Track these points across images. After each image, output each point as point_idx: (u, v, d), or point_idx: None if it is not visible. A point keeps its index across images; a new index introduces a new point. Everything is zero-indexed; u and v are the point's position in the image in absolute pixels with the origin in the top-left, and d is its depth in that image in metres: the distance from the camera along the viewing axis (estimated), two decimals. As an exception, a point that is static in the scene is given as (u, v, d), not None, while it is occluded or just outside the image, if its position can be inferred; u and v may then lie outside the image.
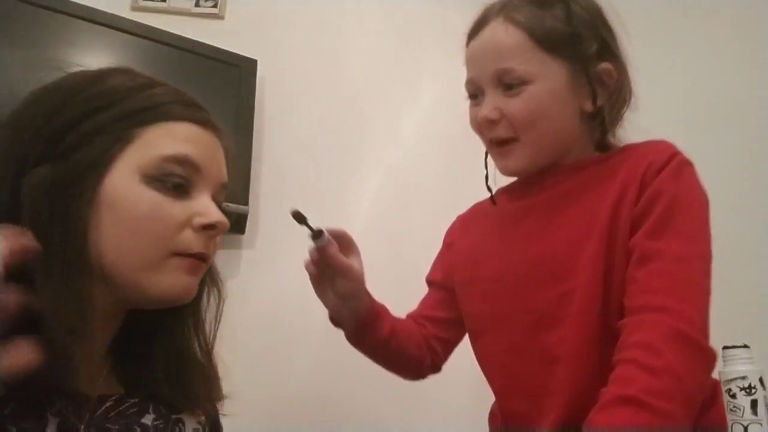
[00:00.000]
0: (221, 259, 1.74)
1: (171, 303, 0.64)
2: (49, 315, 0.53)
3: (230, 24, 1.76)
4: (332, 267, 0.88)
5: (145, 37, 1.52)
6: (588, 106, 0.90)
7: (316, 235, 0.85)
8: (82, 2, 1.45)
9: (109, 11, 1.49)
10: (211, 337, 0.72)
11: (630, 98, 0.94)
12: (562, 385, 0.80)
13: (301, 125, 1.80)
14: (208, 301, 0.73)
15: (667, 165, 0.82)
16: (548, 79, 0.86)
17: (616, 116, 0.94)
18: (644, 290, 0.75)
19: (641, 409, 0.62)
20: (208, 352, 0.72)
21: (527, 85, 0.86)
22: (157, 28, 1.56)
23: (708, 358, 0.69)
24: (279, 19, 1.84)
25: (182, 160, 0.62)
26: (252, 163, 1.64)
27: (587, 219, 0.84)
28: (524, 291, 0.87)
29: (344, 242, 0.91)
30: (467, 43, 0.94)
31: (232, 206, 1.54)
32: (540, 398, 0.83)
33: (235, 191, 1.56)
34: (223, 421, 0.77)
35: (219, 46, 1.63)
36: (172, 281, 0.62)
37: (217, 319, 0.72)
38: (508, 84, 0.87)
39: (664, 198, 0.80)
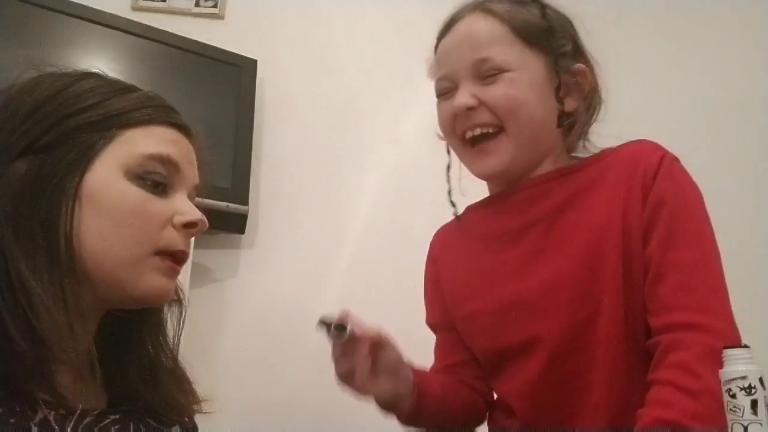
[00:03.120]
0: (221, 259, 1.74)
1: (149, 303, 0.64)
2: (36, 312, 0.53)
3: (230, 24, 1.76)
4: (364, 346, 0.80)
5: (145, 37, 1.52)
6: (567, 106, 0.87)
7: (339, 330, 0.80)
8: (82, 2, 1.45)
9: (109, 11, 1.49)
10: (175, 341, 0.72)
11: (600, 106, 0.91)
12: (597, 411, 0.78)
13: (301, 125, 1.80)
14: (170, 305, 0.72)
15: (660, 168, 0.81)
16: (527, 70, 0.84)
17: (589, 121, 0.91)
18: (670, 307, 0.74)
19: None
20: (174, 357, 0.71)
21: (506, 73, 0.83)
22: (157, 28, 1.56)
23: None
24: (279, 19, 1.84)
25: (165, 160, 0.63)
26: (252, 163, 1.64)
27: (596, 234, 0.80)
28: (539, 320, 0.81)
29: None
30: (436, 46, 0.90)
31: (232, 206, 1.54)
32: (571, 421, 0.80)
33: (235, 191, 1.56)
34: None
35: (219, 46, 1.64)
36: (151, 281, 0.62)
37: (180, 324, 0.72)
38: (487, 74, 0.83)
39: (667, 205, 0.78)
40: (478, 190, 0.97)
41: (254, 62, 1.68)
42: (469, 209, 0.98)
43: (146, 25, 1.54)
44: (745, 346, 0.63)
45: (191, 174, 0.68)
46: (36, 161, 0.58)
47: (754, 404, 0.59)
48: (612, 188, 0.82)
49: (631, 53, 2.02)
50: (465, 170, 0.94)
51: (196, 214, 0.65)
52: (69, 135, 0.60)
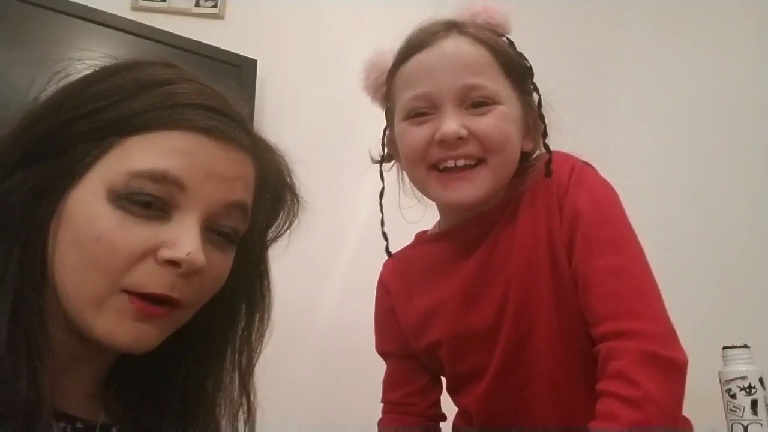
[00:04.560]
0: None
1: (121, 350, 0.53)
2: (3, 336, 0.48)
3: (230, 24, 1.76)
4: None
5: (145, 37, 1.52)
6: (525, 146, 0.86)
7: None
8: (82, 2, 1.45)
9: (109, 11, 1.49)
10: (247, 370, 0.63)
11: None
12: (544, 419, 0.83)
13: (301, 125, 1.80)
14: (246, 342, 0.63)
15: (570, 180, 0.81)
16: (511, 105, 0.82)
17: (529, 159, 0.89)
18: (600, 317, 0.76)
19: None
20: (248, 403, 0.63)
21: (497, 105, 0.80)
22: (157, 28, 1.56)
23: (680, 367, 0.72)
24: (279, 19, 1.84)
25: (158, 177, 0.51)
26: (252, 163, 1.64)
27: (526, 256, 0.82)
28: (487, 347, 0.84)
29: None
30: (408, 56, 0.84)
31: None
32: (525, 422, 0.84)
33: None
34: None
35: (219, 46, 1.63)
36: (113, 326, 0.51)
37: (255, 350, 0.63)
38: (476, 102, 0.80)
39: (580, 216, 0.79)
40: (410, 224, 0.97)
41: (254, 62, 1.68)
42: (419, 240, 0.98)
43: (146, 25, 1.54)
44: (745, 346, 0.63)
45: (214, 190, 0.54)
46: (31, 175, 0.52)
47: (754, 404, 0.59)
48: (534, 208, 0.83)
49: (631, 53, 2.02)
50: (408, 201, 0.94)
51: (182, 249, 0.51)
52: (65, 147, 0.52)
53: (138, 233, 0.50)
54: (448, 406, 0.98)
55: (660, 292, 0.77)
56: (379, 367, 1.04)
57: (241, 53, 1.66)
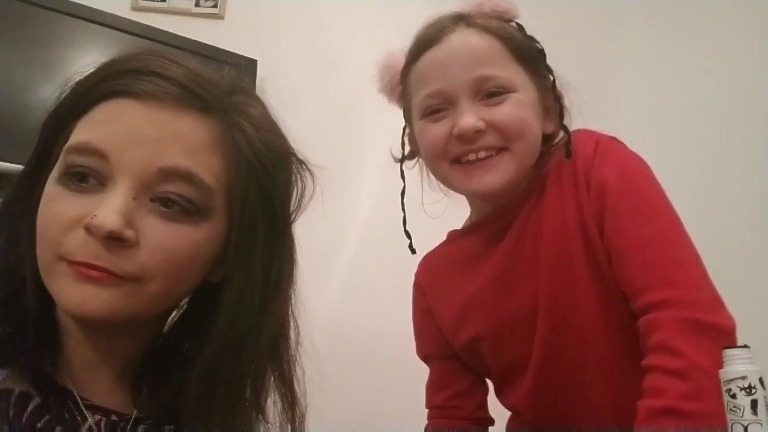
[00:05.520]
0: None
1: (78, 317, 0.53)
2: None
3: (230, 24, 1.76)
4: None
5: (145, 37, 1.52)
6: (546, 129, 0.85)
7: None
8: (82, 2, 1.45)
9: (109, 11, 1.49)
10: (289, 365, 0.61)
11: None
12: (600, 405, 0.80)
13: (301, 125, 1.79)
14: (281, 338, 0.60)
15: (596, 154, 0.81)
16: (526, 91, 0.82)
17: (553, 141, 0.88)
18: (638, 289, 0.74)
19: (679, 417, 0.64)
20: (290, 383, 0.61)
21: (511, 93, 0.80)
22: (157, 28, 1.56)
23: (727, 332, 0.69)
24: (279, 19, 1.84)
25: (81, 149, 0.51)
26: (252, 163, 1.64)
27: (557, 238, 0.81)
28: (528, 337, 0.82)
29: None
30: (418, 54, 0.84)
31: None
32: (577, 421, 0.81)
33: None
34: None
35: (219, 46, 1.63)
36: (62, 290, 0.51)
37: (289, 338, 0.61)
38: (491, 92, 0.79)
39: (608, 188, 0.78)
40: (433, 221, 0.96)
41: (254, 62, 1.68)
42: (451, 237, 0.97)
43: (146, 25, 1.55)
44: (745, 346, 0.63)
45: (140, 156, 0.51)
46: (34, 181, 0.56)
47: (754, 404, 0.59)
48: (560, 188, 0.82)
49: (631, 53, 2.02)
50: (430, 196, 0.93)
51: (98, 217, 0.49)
52: (49, 140, 0.56)
53: (68, 204, 0.51)
54: (498, 410, 0.95)
55: (700, 259, 0.75)
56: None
57: (241, 53, 1.66)
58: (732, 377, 0.60)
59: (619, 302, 0.77)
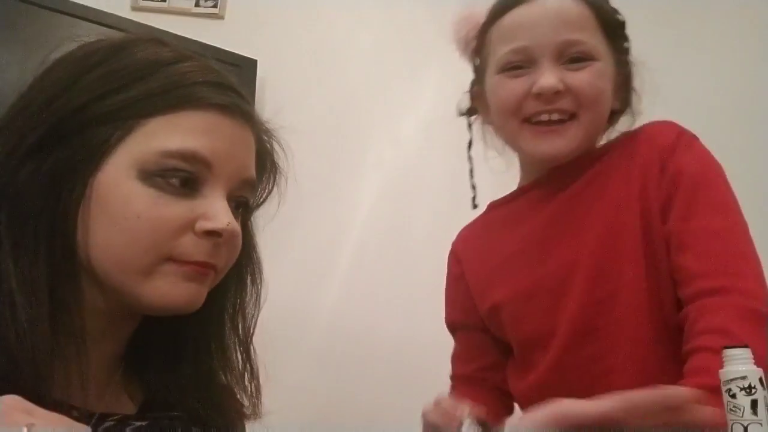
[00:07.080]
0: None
1: (172, 312, 0.57)
2: (32, 317, 0.50)
3: (230, 24, 1.77)
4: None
5: (145, 37, 1.53)
6: (615, 105, 0.87)
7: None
8: (82, 2, 1.46)
9: (109, 11, 1.49)
10: (238, 350, 0.65)
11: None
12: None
13: (301, 125, 1.79)
14: (242, 306, 0.65)
15: (678, 144, 0.81)
16: (606, 62, 0.83)
17: (619, 119, 0.90)
18: (696, 275, 0.72)
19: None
20: (226, 366, 0.65)
21: (593, 61, 0.81)
22: (157, 28, 1.56)
23: None
24: (279, 19, 1.84)
25: (188, 156, 0.54)
26: (252, 163, 1.64)
27: (613, 213, 0.80)
28: (558, 307, 0.80)
29: None
30: (506, 10, 0.84)
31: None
32: None
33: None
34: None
35: (219, 46, 1.63)
36: (167, 289, 0.55)
37: (251, 314, 0.66)
38: (574, 57, 0.81)
39: (684, 177, 0.78)
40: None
41: (254, 62, 1.68)
42: (492, 206, 0.97)
43: (146, 25, 1.54)
44: (745, 346, 0.63)
45: (235, 167, 0.58)
46: (47, 160, 0.53)
47: (754, 404, 0.59)
48: (629, 167, 0.82)
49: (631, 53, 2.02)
50: (491, 152, 0.94)
51: (221, 221, 0.55)
52: (82, 129, 0.54)
53: (175, 209, 0.54)
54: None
55: (761, 262, 0.73)
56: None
57: (241, 53, 1.66)
58: (732, 377, 0.60)
59: (666, 292, 0.76)
